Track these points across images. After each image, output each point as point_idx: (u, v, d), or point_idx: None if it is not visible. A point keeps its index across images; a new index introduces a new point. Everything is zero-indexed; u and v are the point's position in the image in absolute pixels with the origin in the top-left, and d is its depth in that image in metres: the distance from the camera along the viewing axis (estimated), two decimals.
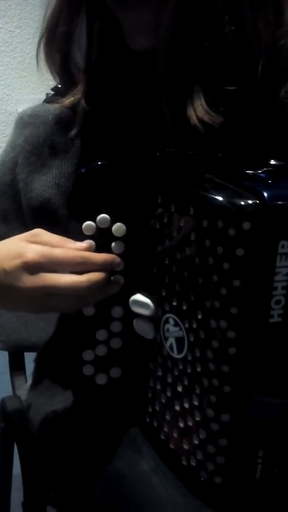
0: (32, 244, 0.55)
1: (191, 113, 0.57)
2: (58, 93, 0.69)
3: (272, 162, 0.54)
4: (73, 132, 0.65)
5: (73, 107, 0.66)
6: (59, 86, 0.69)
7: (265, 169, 0.53)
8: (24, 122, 0.70)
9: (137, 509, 0.60)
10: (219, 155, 0.58)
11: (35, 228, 0.68)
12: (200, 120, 0.56)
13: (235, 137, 0.60)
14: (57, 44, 0.63)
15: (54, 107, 0.69)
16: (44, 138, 0.68)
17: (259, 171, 0.53)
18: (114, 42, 0.64)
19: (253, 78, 0.58)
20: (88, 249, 0.57)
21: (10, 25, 2.27)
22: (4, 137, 2.23)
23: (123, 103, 0.65)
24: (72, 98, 0.65)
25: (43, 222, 0.68)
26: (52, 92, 0.72)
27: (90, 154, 0.67)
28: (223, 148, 0.58)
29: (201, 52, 0.56)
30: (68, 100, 0.65)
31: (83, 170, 0.57)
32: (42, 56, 0.66)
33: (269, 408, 0.51)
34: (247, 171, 0.53)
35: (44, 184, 0.68)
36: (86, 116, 0.65)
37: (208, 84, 0.57)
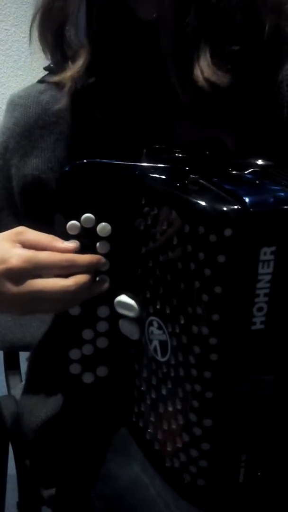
0: (17, 248, 0.53)
1: (197, 73, 0.56)
2: (51, 72, 0.67)
3: (260, 162, 0.53)
4: (60, 105, 0.63)
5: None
6: (52, 65, 0.66)
7: (251, 169, 0.51)
8: (15, 104, 0.68)
9: (130, 510, 0.60)
10: (207, 152, 0.57)
11: (26, 217, 0.67)
12: (207, 80, 0.55)
13: (241, 99, 0.59)
14: (52, 19, 0.61)
15: (47, 87, 0.66)
16: (35, 119, 0.66)
17: (246, 172, 0.51)
18: (115, 11, 0.61)
19: (259, 40, 0.57)
20: (75, 249, 0.56)
21: (5, 23, 2.22)
22: None
23: (125, 76, 0.63)
24: (73, 71, 0.62)
25: (37, 208, 0.67)
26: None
27: (83, 139, 0.65)
28: (228, 109, 0.58)
29: (207, 11, 0.55)
30: (69, 73, 0.62)
31: (67, 169, 0.56)
32: (34, 37, 0.64)
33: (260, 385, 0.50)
34: (234, 172, 0.52)
35: (37, 168, 0.66)
36: (82, 95, 0.63)
37: (214, 44, 0.56)
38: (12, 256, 0.52)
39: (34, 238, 0.55)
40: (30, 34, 0.64)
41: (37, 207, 0.67)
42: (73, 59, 0.62)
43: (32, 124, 0.66)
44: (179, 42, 0.56)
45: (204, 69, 0.56)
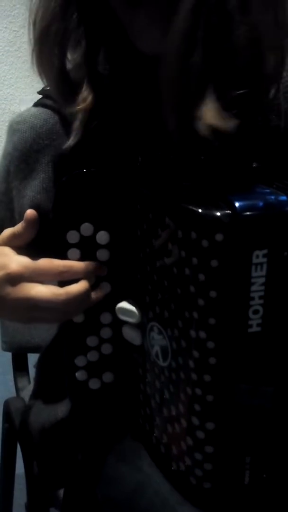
0: (17, 256, 0.55)
1: (202, 117, 0.54)
2: (46, 96, 0.68)
3: (254, 164, 0.53)
4: (71, 142, 0.63)
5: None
6: (47, 88, 0.68)
7: (245, 173, 0.52)
8: (13, 129, 0.70)
9: None
10: (202, 157, 0.57)
11: None
12: (210, 127, 0.54)
13: (241, 141, 0.58)
14: (50, 45, 0.59)
15: (40, 111, 0.68)
16: (30, 143, 0.68)
17: (239, 175, 0.52)
18: (116, 44, 0.61)
19: (261, 81, 0.57)
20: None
21: (14, 24, 2.24)
22: None
23: (124, 107, 0.64)
24: (84, 105, 0.61)
25: None
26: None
27: (77, 158, 0.66)
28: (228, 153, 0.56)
29: (214, 53, 0.53)
30: (81, 106, 0.61)
31: (63, 179, 0.57)
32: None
33: (259, 395, 0.50)
34: (227, 175, 0.52)
35: (34, 190, 0.68)
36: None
37: (219, 88, 0.54)
38: (12, 262, 0.55)
39: (9, 233, 0.57)
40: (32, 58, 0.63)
41: None
42: (80, 90, 0.61)
43: (28, 148, 0.68)
44: (183, 85, 0.54)
45: (209, 114, 0.53)
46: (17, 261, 0.55)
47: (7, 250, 0.57)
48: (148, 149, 0.59)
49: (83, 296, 0.55)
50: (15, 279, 0.54)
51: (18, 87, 2.18)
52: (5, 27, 2.23)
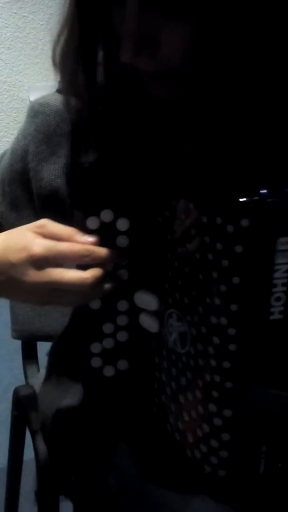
0: (39, 238, 0.55)
1: None
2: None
3: None
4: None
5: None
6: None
7: (271, 160, 0.52)
8: (35, 110, 0.70)
9: (151, 502, 0.61)
10: (228, 142, 0.57)
11: (44, 217, 0.69)
12: None
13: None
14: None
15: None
16: (54, 127, 0.68)
17: (265, 162, 0.52)
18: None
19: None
20: (94, 243, 0.57)
21: (24, 10, 2.19)
22: (16, 124, 2.14)
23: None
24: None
25: (52, 211, 0.69)
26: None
27: (98, 144, 0.66)
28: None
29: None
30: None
31: (84, 165, 0.57)
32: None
33: (272, 399, 0.51)
34: (252, 161, 0.52)
35: (53, 174, 0.68)
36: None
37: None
38: (34, 244, 0.54)
39: (56, 230, 0.56)
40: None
41: (50, 212, 0.69)
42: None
43: (52, 131, 0.68)
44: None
45: None
46: (39, 244, 0.54)
47: (30, 235, 0.55)
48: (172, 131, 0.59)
49: (105, 279, 0.55)
50: (39, 262, 0.53)
51: (27, 73, 2.11)
52: (15, 12, 2.18)
